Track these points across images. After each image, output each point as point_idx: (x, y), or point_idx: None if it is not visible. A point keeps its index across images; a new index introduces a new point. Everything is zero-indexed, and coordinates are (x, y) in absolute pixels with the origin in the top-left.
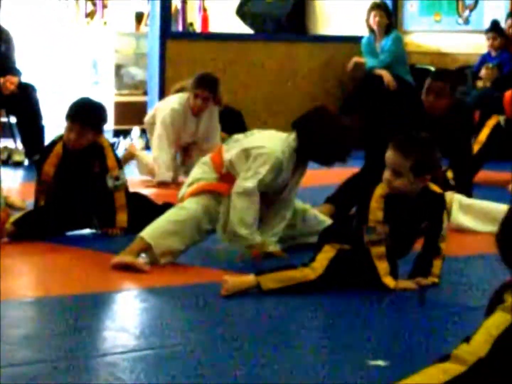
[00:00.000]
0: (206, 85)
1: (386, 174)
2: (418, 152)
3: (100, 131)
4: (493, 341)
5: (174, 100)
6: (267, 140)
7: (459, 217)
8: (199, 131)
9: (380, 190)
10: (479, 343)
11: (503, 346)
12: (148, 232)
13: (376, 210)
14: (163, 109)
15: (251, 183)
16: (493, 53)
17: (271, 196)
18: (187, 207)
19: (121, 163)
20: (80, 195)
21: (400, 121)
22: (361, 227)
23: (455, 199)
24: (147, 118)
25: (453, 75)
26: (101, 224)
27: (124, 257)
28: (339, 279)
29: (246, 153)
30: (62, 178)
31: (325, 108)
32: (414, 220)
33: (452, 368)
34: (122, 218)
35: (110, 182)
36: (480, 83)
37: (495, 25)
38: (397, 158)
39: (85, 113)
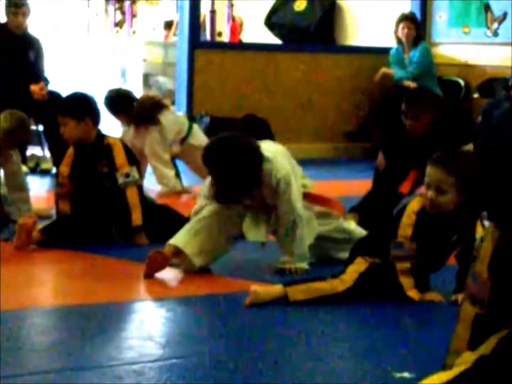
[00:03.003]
0: None
1: (429, 193)
2: (460, 167)
3: (81, 118)
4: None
5: None
6: None
7: None
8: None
9: (414, 206)
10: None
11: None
12: (175, 238)
13: (406, 226)
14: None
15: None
16: None
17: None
18: (206, 208)
19: (134, 160)
20: (91, 195)
21: (388, 141)
22: (388, 242)
23: None
24: None
25: (429, 94)
26: (119, 231)
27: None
28: (367, 292)
29: None
30: (74, 178)
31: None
32: (446, 235)
33: (457, 369)
34: (136, 216)
35: (120, 180)
36: None
37: None
38: (441, 175)
39: (63, 103)
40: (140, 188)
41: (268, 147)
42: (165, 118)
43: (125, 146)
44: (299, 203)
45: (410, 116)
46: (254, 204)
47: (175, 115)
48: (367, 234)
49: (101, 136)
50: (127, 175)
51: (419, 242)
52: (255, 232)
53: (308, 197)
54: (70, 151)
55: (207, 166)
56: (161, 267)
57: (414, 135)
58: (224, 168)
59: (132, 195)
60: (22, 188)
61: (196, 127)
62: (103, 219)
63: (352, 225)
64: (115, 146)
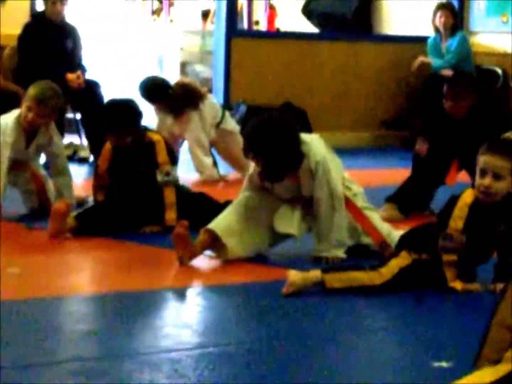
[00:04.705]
0: None
1: (486, 181)
2: None
3: (126, 131)
4: None
5: None
6: None
7: None
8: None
9: (466, 199)
10: None
11: None
12: (210, 223)
13: (458, 219)
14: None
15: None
16: None
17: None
18: (239, 195)
19: (175, 159)
20: (130, 191)
21: (430, 126)
22: (438, 233)
23: None
24: None
25: (470, 78)
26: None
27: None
28: (405, 286)
29: None
30: (113, 173)
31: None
32: (495, 227)
33: (502, 369)
34: (171, 216)
35: (159, 177)
36: None
37: None
38: (498, 161)
39: (107, 121)
40: (178, 188)
41: (305, 135)
42: (203, 103)
43: (167, 145)
44: (338, 188)
45: (451, 97)
46: (291, 196)
47: (210, 100)
48: (415, 227)
49: (142, 132)
50: (167, 174)
51: (469, 234)
52: (285, 224)
53: (354, 212)
54: (108, 146)
55: (250, 144)
56: (186, 239)
57: (454, 117)
58: (268, 143)
59: (169, 194)
60: (65, 172)
61: (227, 113)
62: (138, 213)
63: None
64: (158, 145)
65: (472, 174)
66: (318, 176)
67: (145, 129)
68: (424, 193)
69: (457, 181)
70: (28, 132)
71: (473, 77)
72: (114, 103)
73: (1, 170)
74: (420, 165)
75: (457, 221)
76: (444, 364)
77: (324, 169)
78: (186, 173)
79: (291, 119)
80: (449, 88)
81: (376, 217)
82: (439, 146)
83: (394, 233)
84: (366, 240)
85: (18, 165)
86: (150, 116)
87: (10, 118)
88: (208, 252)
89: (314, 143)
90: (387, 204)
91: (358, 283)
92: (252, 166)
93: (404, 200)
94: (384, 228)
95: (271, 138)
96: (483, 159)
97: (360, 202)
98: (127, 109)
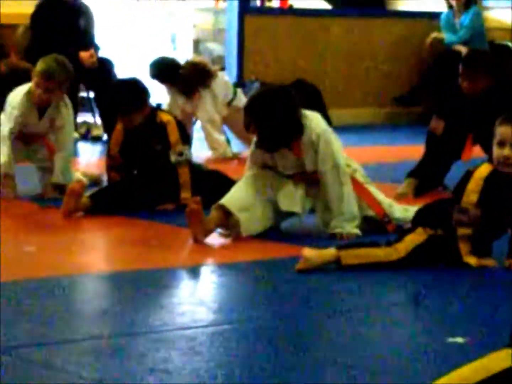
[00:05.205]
0: None
1: (505, 151)
2: None
3: (134, 111)
4: None
5: None
6: None
7: None
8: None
9: (482, 173)
10: None
11: None
12: (221, 199)
13: (471, 193)
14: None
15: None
16: None
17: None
18: (245, 174)
19: (188, 139)
20: (144, 172)
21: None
22: (453, 208)
23: None
24: None
25: (486, 57)
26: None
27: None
28: (420, 262)
29: None
30: (125, 155)
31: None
32: (511, 201)
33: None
34: (186, 195)
35: (172, 158)
36: None
37: None
38: None
39: (114, 103)
40: (192, 166)
41: (306, 111)
42: (214, 81)
43: (179, 124)
44: (341, 161)
45: (467, 77)
46: (295, 172)
47: (222, 78)
48: (430, 202)
49: (153, 112)
50: (180, 154)
51: (485, 208)
52: (289, 202)
53: (357, 187)
54: (119, 127)
55: (248, 112)
56: (199, 215)
57: (470, 96)
58: (265, 109)
59: (183, 173)
60: (63, 148)
61: (239, 91)
62: (152, 193)
63: None
64: (169, 125)
65: (487, 149)
66: (320, 149)
67: (157, 108)
68: (441, 169)
69: (473, 157)
70: (40, 105)
71: (490, 56)
72: (119, 84)
73: (6, 141)
74: (435, 142)
75: (470, 195)
76: (459, 339)
77: (326, 141)
78: (199, 151)
79: (292, 91)
80: (465, 68)
81: (376, 192)
82: (455, 124)
83: (395, 207)
84: (371, 213)
85: (34, 138)
86: (162, 96)
87: (20, 91)
88: (220, 230)
89: (315, 118)
90: (409, 179)
91: (374, 259)
92: (252, 143)
93: (424, 175)
94: (386, 202)
95: (268, 104)
96: (500, 131)
97: (361, 178)
98: (132, 89)
